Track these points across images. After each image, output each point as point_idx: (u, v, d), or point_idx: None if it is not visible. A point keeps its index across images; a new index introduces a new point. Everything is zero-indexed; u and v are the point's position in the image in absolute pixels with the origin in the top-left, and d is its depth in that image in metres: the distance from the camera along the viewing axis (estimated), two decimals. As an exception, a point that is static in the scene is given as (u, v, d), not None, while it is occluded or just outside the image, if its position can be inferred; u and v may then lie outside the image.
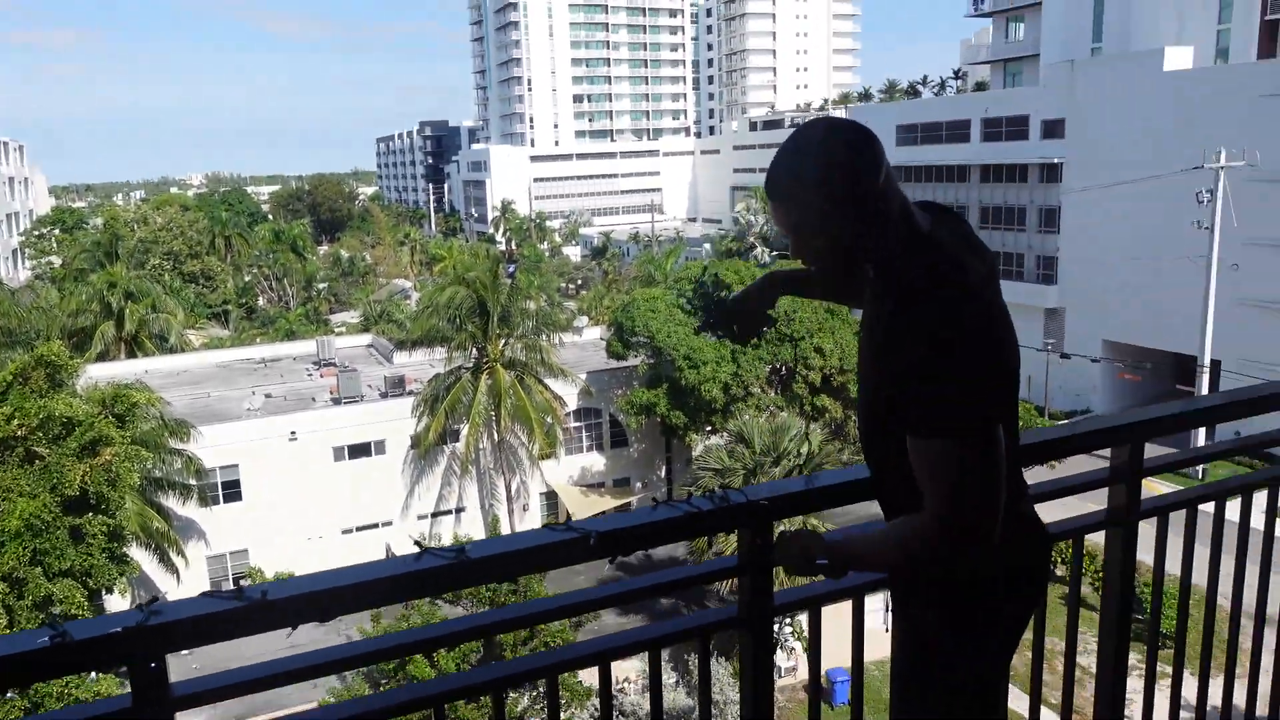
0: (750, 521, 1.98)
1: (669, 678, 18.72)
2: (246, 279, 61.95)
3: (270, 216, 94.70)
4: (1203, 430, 20.97)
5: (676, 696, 18.23)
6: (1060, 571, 17.43)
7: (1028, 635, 2.16)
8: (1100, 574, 2.75)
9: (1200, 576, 2.83)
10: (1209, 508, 2.73)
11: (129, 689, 1.59)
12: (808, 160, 1.69)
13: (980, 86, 64.37)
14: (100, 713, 1.60)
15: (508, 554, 1.84)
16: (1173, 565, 2.74)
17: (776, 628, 20.07)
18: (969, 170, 45.33)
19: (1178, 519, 2.64)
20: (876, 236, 1.72)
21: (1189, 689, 2.96)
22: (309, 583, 1.68)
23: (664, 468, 33.12)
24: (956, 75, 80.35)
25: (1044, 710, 2.97)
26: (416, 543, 1.83)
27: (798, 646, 20.79)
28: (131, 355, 37.64)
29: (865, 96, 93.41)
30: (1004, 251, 43.82)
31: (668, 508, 1.95)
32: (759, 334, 2.25)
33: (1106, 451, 2.57)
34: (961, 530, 1.68)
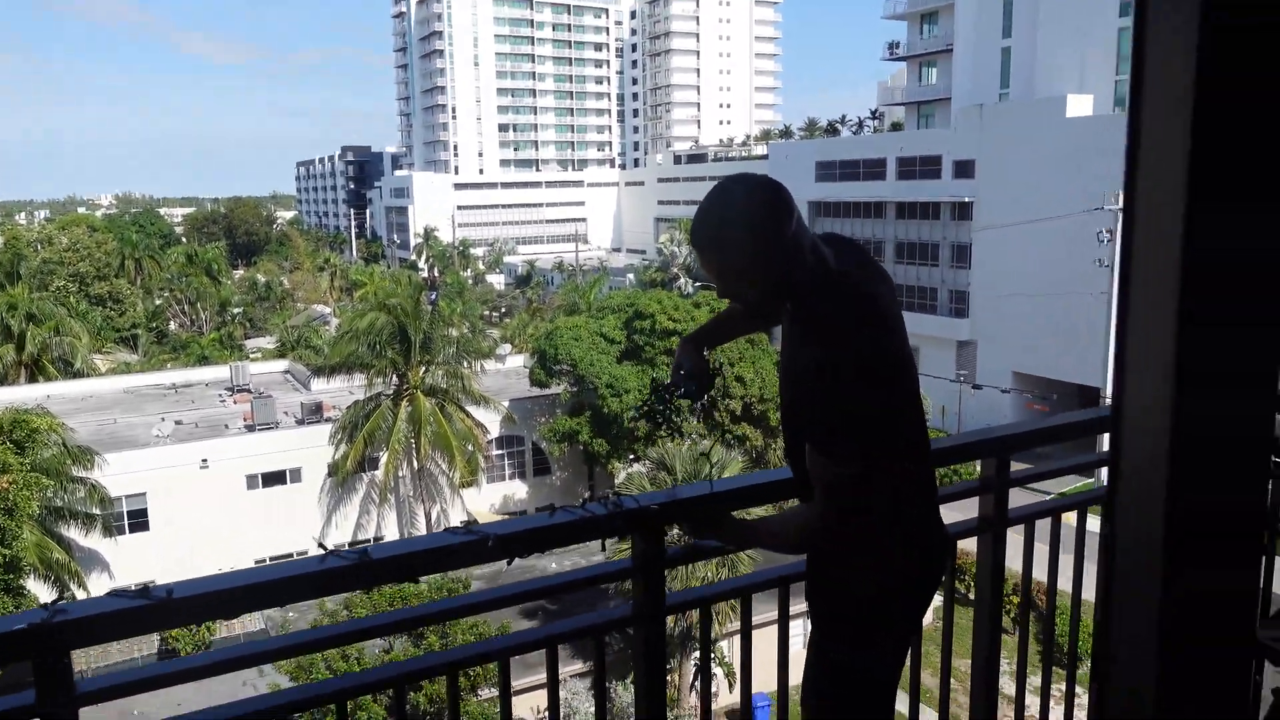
0: (642, 526, 2.11)
1: (589, 704, 18.63)
2: (158, 302, 60.14)
3: (184, 239, 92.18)
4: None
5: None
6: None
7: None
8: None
9: (1065, 581, 3.06)
10: (1071, 518, 2.97)
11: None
12: (730, 216, 1.92)
13: (896, 127, 66.52)
14: (4, 708, 1.64)
15: (409, 554, 1.94)
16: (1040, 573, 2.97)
17: (697, 654, 20.20)
18: (885, 206, 46.72)
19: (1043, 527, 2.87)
20: (793, 275, 1.95)
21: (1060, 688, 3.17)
22: (214, 582, 1.75)
23: (586, 495, 33.07)
24: (874, 115, 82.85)
25: (924, 710, 3.16)
26: (320, 544, 1.91)
27: (719, 672, 20.89)
28: (33, 380, 36.20)
29: (786, 133, 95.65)
30: (918, 285, 45.20)
31: (565, 512, 2.07)
32: (711, 385, 2.41)
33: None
34: (822, 524, 2.01)
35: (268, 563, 28.12)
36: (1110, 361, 30.49)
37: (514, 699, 2.42)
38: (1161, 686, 0.93)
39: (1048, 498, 3.16)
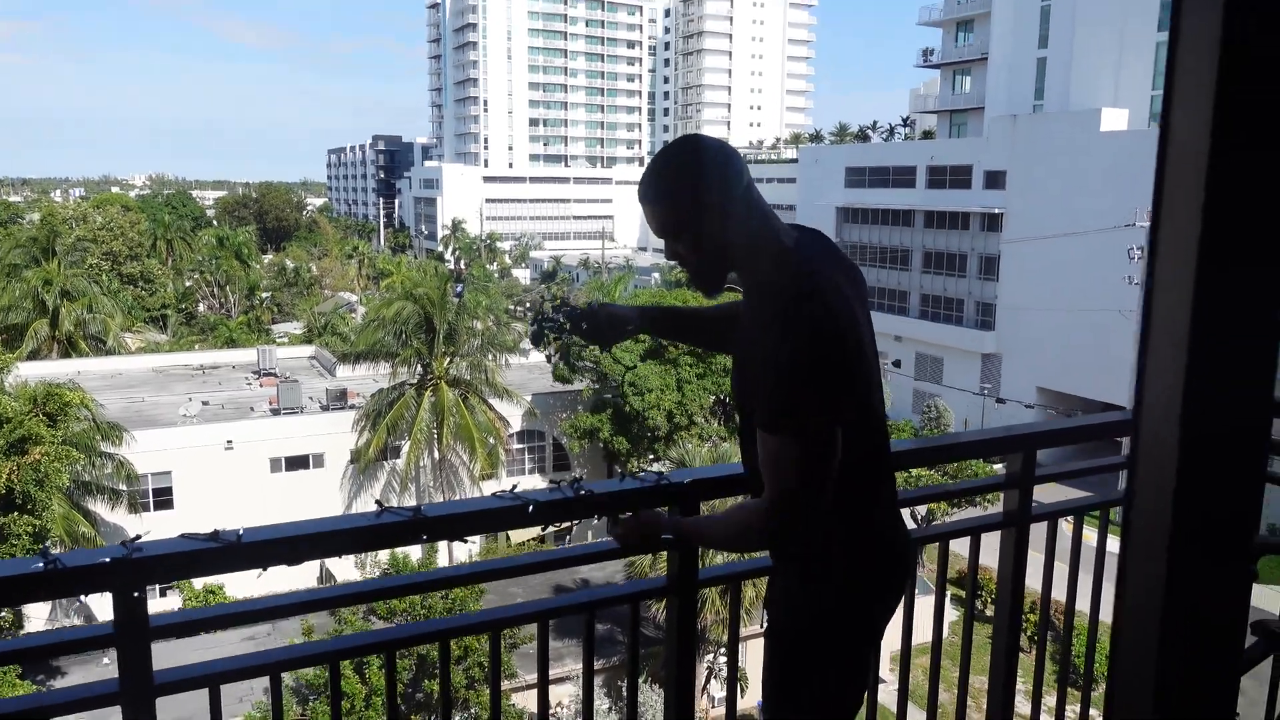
0: (678, 500, 2.20)
1: (602, 703, 18.75)
2: (188, 284, 60.86)
3: (215, 222, 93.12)
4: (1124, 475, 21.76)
5: (607, 721, 18.27)
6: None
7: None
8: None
9: (1085, 601, 3.11)
10: (1092, 538, 3.03)
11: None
12: (675, 167, 1.88)
13: (927, 135, 66.21)
14: (86, 636, 1.76)
15: (457, 515, 2.04)
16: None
17: (711, 657, 20.29)
18: (914, 215, 46.54)
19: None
20: (738, 240, 1.89)
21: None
22: (280, 530, 1.86)
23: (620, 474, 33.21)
24: (905, 123, 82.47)
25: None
26: (377, 501, 2.02)
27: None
28: (65, 355, 36.75)
29: (816, 138, 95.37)
30: (945, 296, 45.00)
31: (602, 484, 2.17)
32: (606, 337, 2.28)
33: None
34: (782, 523, 1.84)
35: (287, 545, 28.43)
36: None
37: (535, 692, 2.50)
38: (1159, 689, 0.98)
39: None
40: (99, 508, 23.30)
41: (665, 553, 2.33)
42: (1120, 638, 1.01)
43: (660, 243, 2.05)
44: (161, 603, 24.50)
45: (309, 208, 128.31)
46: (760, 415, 1.83)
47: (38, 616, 22.27)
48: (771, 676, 2.05)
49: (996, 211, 41.63)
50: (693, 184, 1.85)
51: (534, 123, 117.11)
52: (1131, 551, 1.00)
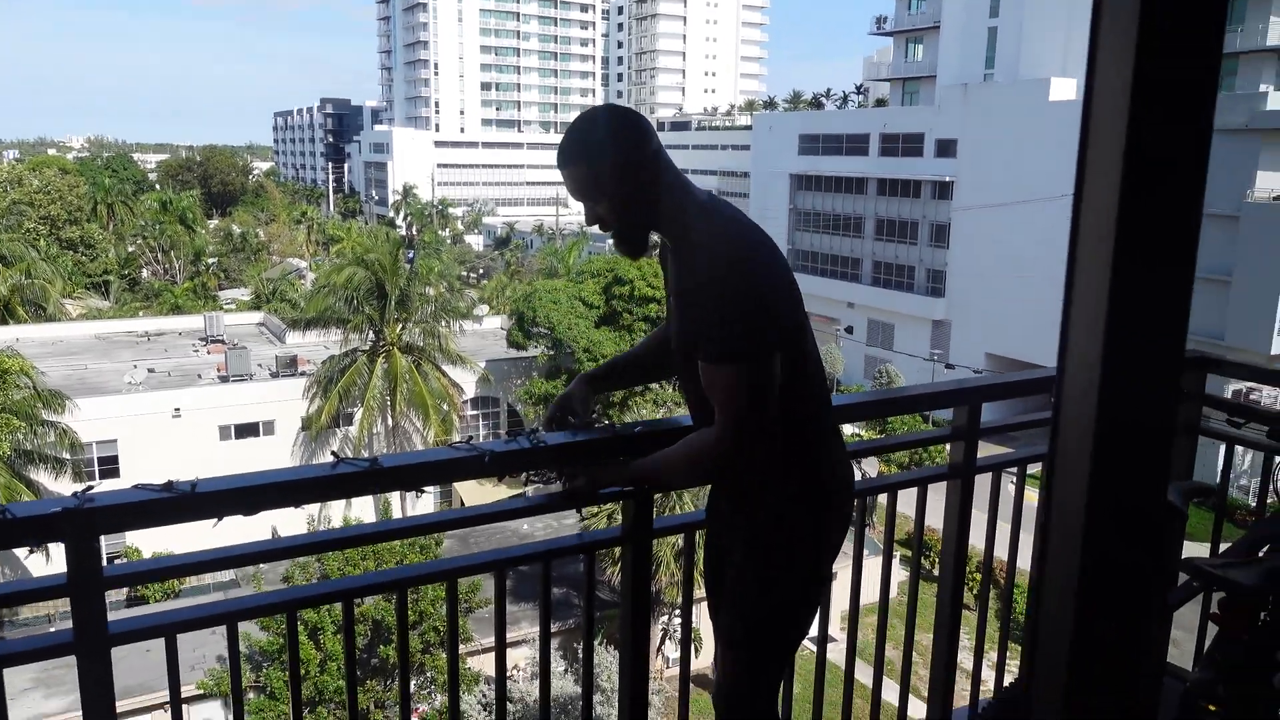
0: (630, 450, 2.23)
1: (558, 666, 18.89)
2: (130, 249, 59.29)
3: (158, 186, 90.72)
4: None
5: (564, 684, 18.43)
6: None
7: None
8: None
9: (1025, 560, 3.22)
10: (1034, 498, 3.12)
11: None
12: (591, 133, 1.99)
13: (880, 103, 66.51)
14: (40, 586, 1.75)
15: (414, 465, 2.05)
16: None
17: (665, 618, 20.53)
18: (866, 183, 46.87)
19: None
20: (659, 199, 1.99)
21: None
22: (236, 480, 1.85)
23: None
24: (858, 90, 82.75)
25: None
26: (333, 452, 2.02)
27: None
28: (3, 322, 35.75)
29: (770, 105, 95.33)
30: (896, 263, 45.50)
31: (559, 434, 2.19)
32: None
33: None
34: (733, 445, 1.92)
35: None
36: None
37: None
38: (1075, 646, 1.03)
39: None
40: (42, 477, 22.82)
41: (620, 504, 2.36)
42: (1042, 583, 1.06)
43: (586, 224, 2.11)
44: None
45: (255, 172, 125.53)
46: (705, 350, 1.92)
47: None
48: (735, 594, 2.13)
49: (948, 179, 42.09)
50: (610, 146, 1.96)
51: (486, 86, 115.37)
52: (1055, 493, 1.05)
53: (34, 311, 37.47)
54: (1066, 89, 38.23)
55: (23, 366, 20.56)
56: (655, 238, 2.14)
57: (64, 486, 23.76)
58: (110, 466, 26.39)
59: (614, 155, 1.96)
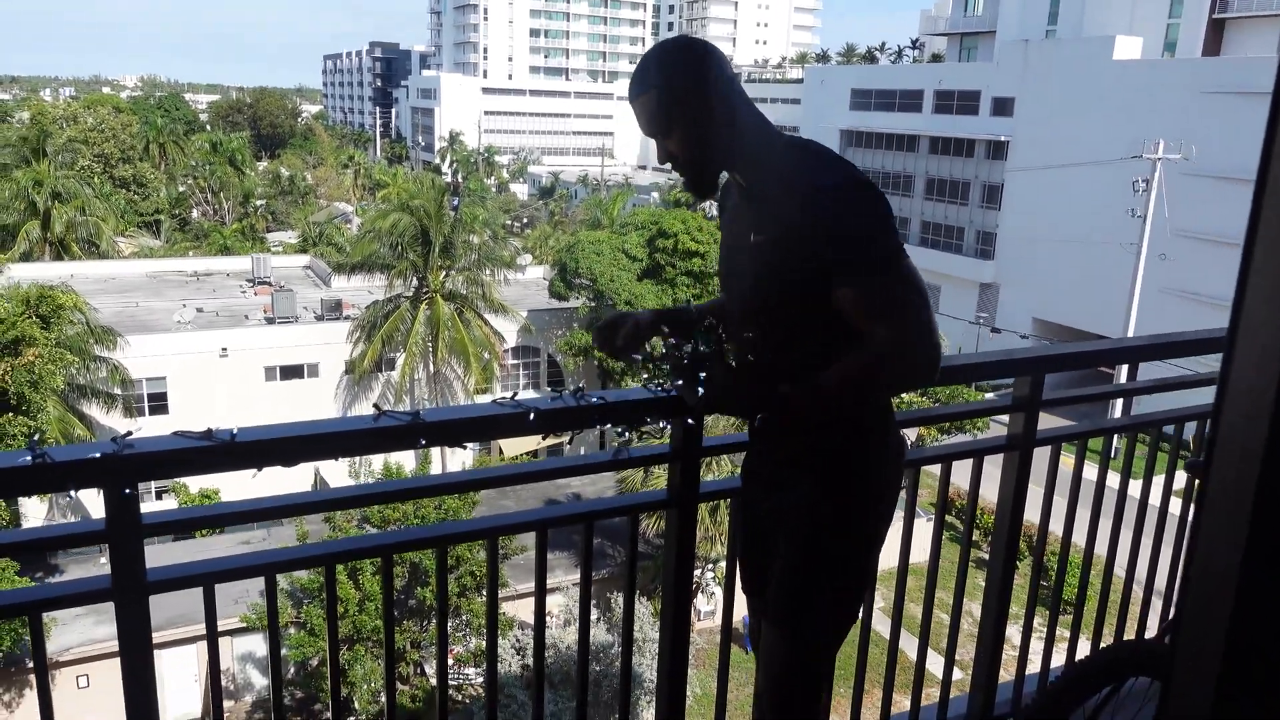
0: (683, 412, 2.15)
1: (591, 614, 19.15)
2: (181, 189, 60.00)
3: (209, 127, 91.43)
4: (1119, 404, 21.90)
5: (597, 633, 18.66)
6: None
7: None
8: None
9: (1085, 512, 3.11)
10: (1092, 474, 3.00)
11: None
12: (662, 62, 1.89)
13: (936, 58, 64.85)
14: (79, 531, 1.73)
15: (456, 420, 2.00)
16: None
17: (699, 572, 20.66)
18: (918, 140, 45.87)
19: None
20: (738, 134, 1.90)
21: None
22: (275, 430, 1.81)
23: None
24: (914, 45, 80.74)
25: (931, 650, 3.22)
26: (375, 405, 1.97)
27: (718, 591, 21.37)
28: (58, 258, 36.44)
29: (823, 58, 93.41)
30: (945, 224, 44.65)
31: (604, 392, 2.12)
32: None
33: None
34: (927, 349, 1.82)
35: (282, 453, 28.63)
36: (1134, 314, 29.77)
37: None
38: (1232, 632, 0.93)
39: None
40: (94, 411, 23.37)
41: (667, 466, 2.29)
42: (1187, 604, 0.96)
43: (658, 161, 2.00)
44: (157, 505, 24.78)
45: (304, 115, 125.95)
46: (854, 270, 1.81)
47: (35, 517, 22.53)
48: (789, 582, 2.02)
49: (1003, 139, 41.03)
50: (681, 76, 1.88)
51: (535, 34, 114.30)
52: (1212, 492, 0.94)
53: (88, 248, 38.15)
54: (1132, 47, 36.92)
55: (76, 303, 20.92)
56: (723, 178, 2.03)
57: (115, 421, 24.35)
58: (159, 403, 26.96)
59: (685, 85, 1.87)
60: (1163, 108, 32.96)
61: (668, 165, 1.98)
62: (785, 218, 1.86)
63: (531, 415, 1.98)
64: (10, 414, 16.33)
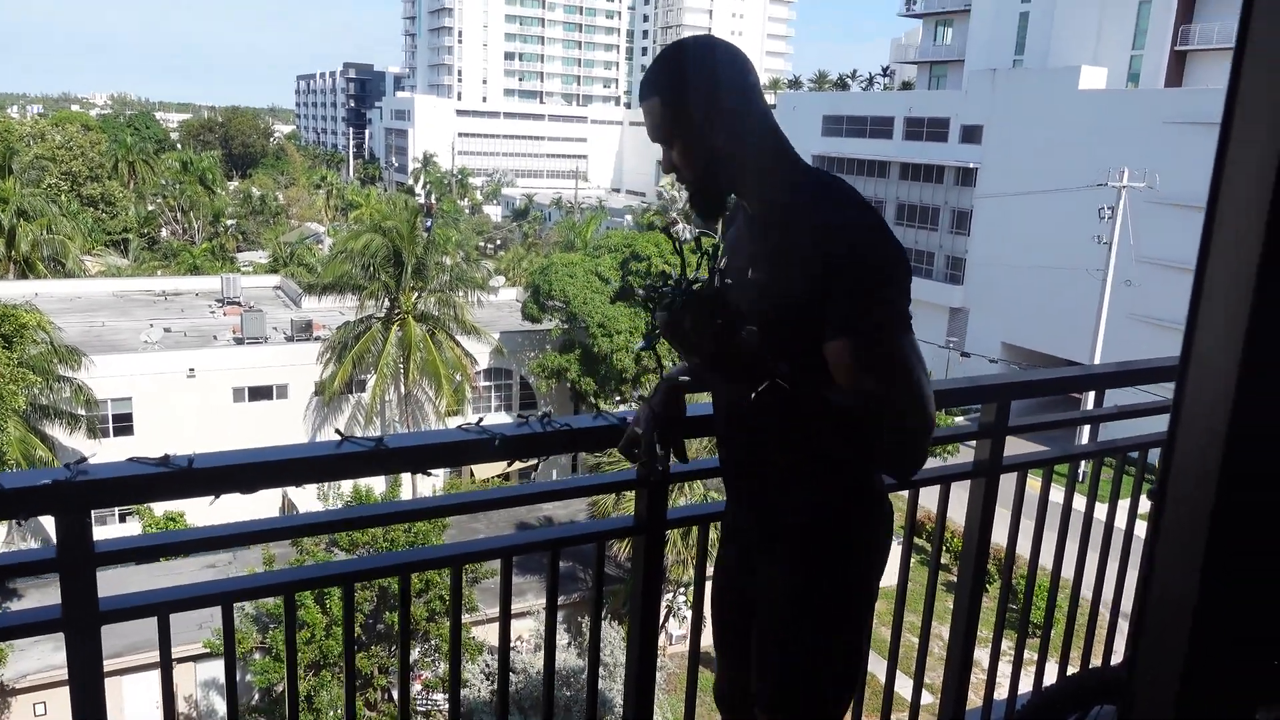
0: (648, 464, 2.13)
1: (562, 639, 18.96)
2: (150, 208, 59.43)
3: (179, 146, 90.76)
4: (1086, 430, 22.13)
5: (568, 657, 18.50)
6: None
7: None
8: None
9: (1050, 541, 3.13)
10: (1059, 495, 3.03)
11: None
12: (675, 63, 1.72)
13: (906, 86, 65.81)
14: (27, 560, 1.68)
15: (421, 446, 1.97)
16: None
17: (670, 596, 20.54)
18: (889, 166, 46.41)
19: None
20: (756, 151, 1.73)
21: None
22: (235, 456, 1.78)
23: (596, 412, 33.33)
24: (885, 72, 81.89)
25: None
26: (337, 430, 1.94)
27: (690, 615, 21.27)
28: (22, 276, 35.91)
29: (795, 84, 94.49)
30: (916, 249, 45.11)
31: (571, 418, 2.10)
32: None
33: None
34: (919, 420, 1.64)
35: (249, 475, 28.24)
36: (1100, 339, 30.16)
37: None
38: (1192, 650, 0.93)
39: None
40: (56, 432, 22.96)
41: (633, 493, 2.28)
42: (1145, 618, 0.96)
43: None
44: (120, 529, 24.35)
45: (276, 135, 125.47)
46: (862, 324, 1.62)
47: (-8, 540, 22.05)
48: (784, 670, 1.86)
49: (971, 166, 41.62)
50: (696, 82, 1.69)
51: (509, 56, 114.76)
52: (1167, 519, 0.95)
53: (53, 267, 37.64)
54: (1097, 78, 37.66)
55: (40, 321, 20.61)
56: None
57: (79, 442, 23.94)
58: (124, 424, 26.55)
59: (693, 92, 1.68)
60: (1126, 137, 33.61)
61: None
62: (787, 255, 1.70)
63: (497, 441, 1.96)
64: (-31, 435, 16.02)
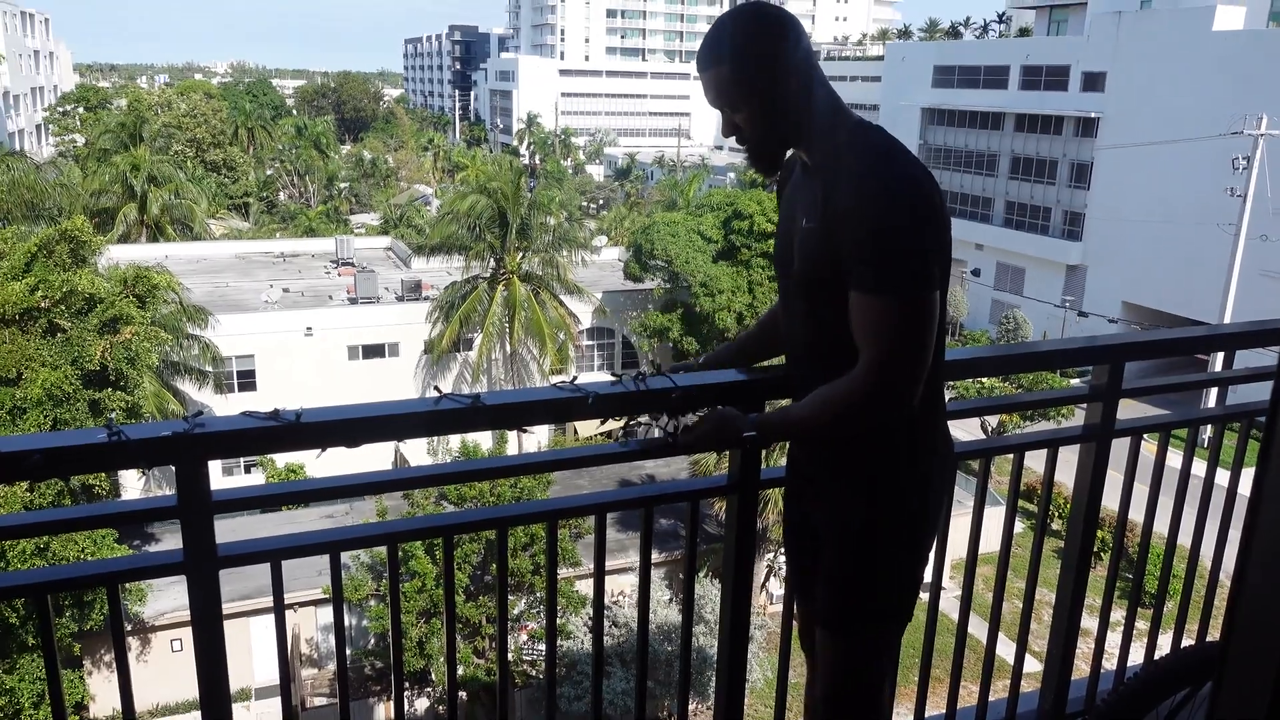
0: (743, 399, 2.13)
1: (663, 594, 19.20)
2: (268, 172, 61.76)
3: (294, 111, 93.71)
4: (1214, 393, 21.02)
5: (669, 613, 18.73)
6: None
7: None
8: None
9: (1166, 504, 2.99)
10: (1175, 460, 2.88)
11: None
12: (733, 31, 1.79)
13: (1024, 32, 62.75)
14: (150, 507, 1.79)
15: (516, 404, 2.01)
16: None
17: (771, 555, 20.54)
18: (1004, 118, 44.52)
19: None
20: (809, 111, 1.81)
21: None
22: (339, 411, 1.85)
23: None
24: (1000, 19, 78.24)
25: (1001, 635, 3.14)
26: (435, 388, 1.99)
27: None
28: (153, 239, 37.85)
29: (905, 34, 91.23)
30: (1031, 204, 43.33)
31: (661, 378, 2.10)
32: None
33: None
34: (887, 389, 1.73)
35: (363, 430, 29.36)
36: (1231, 298, 28.51)
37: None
38: None
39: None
40: (187, 387, 24.26)
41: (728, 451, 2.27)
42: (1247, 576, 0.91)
43: (722, 134, 1.95)
44: (246, 478, 25.68)
45: (386, 98, 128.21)
46: (861, 277, 1.72)
47: (133, 487, 23.56)
48: (837, 590, 1.98)
49: (1093, 116, 39.56)
50: (752, 46, 1.78)
51: (611, 14, 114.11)
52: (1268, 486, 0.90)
53: (181, 230, 39.55)
54: (1234, 18, 35.16)
55: (170, 283, 21.64)
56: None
57: (206, 397, 25.27)
58: (248, 380, 27.87)
59: (758, 59, 1.77)
60: (1266, 82, 31.36)
61: (740, 152, 1.93)
62: (833, 203, 1.77)
63: (590, 399, 1.98)
64: (110, 389, 17.02)
